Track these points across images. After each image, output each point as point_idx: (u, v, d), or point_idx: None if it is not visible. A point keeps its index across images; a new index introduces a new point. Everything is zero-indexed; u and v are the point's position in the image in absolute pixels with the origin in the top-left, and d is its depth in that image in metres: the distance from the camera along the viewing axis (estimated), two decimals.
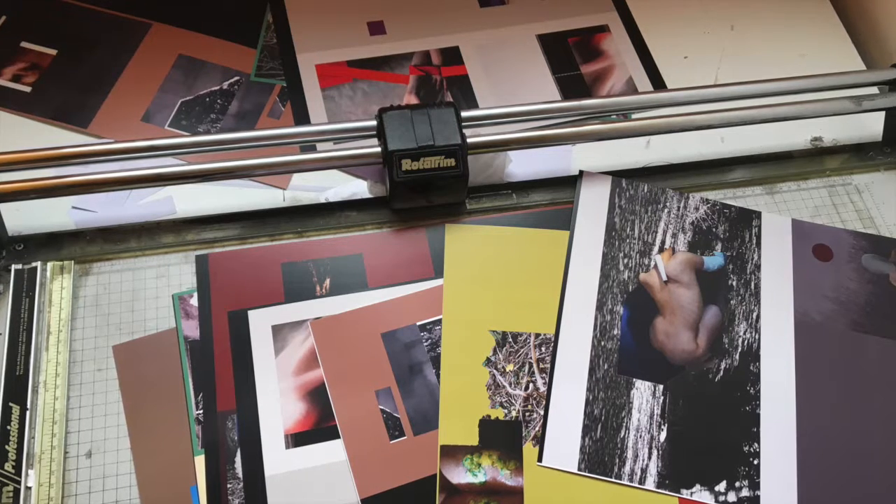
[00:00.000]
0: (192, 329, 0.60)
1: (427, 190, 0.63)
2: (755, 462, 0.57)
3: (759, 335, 0.62)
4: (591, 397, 0.59)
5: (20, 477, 0.54)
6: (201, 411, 0.57)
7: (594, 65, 0.79)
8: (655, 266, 0.65)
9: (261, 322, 0.61)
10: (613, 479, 0.56)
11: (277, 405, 0.58)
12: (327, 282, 0.63)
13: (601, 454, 0.57)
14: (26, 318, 0.59)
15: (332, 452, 0.56)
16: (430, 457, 0.56)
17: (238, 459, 0.56)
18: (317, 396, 0.58)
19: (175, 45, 0.77)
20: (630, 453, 0.57)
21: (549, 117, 0.69)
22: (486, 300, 0.63)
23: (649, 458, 0.57)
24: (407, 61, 0.77)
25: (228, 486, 0.55)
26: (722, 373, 0.61)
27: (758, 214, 0.68)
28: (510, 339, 0.61)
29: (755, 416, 0.59)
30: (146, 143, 0.62)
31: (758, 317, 0.63)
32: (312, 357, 0.60)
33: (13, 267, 0.61)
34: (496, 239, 0.66)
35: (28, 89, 0.73)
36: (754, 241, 0.66)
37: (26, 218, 0.65)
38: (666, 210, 0.67)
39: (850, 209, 0.70)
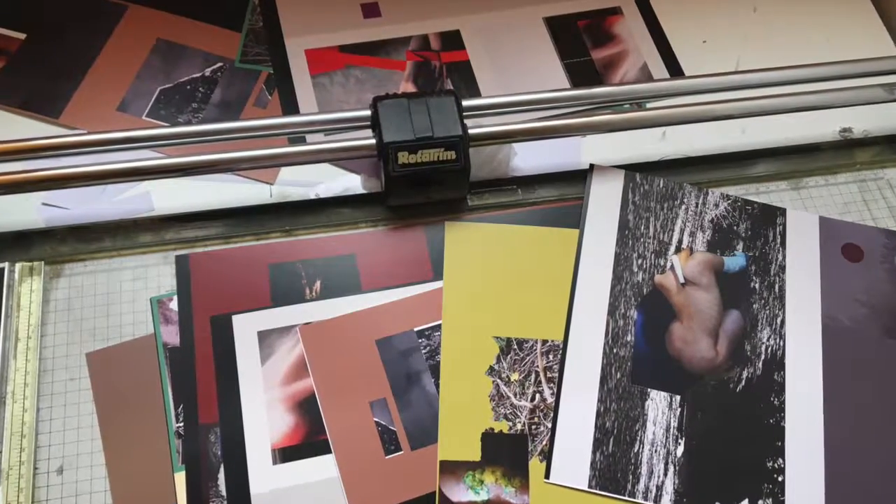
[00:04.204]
0: (171, 335, 0.60)
1: (425, 185, 0.63)
2: (780, 479, 0.57)
3: (784, 342, 0.62)
4: (602, 409, 0.59)
5: None
6: (181, 424, 0.57)
7: (606, 50, 0.79)
8: (672, 267, 0.65)
9: (246, 327, 0.61)
10: (626, 498, 0.56)
11: (264, 417, 0.58)
12: (318, 284, 0.63)
13: (613, 470, 0.57)
14: None
15: (322, 468, 0.56)
16: (428, 473, 0.57)
17: (221, 476, 0.56)
18: (306, 408, 0.58)
19: (153, 29, 0.77)
20: (644, 469, 0.57)
21: (557, 106, 0.69)
22: (489, 304, 0.63)
23: (665, 474, 0.57)
24: (404, 46, 0.77)
25: None
26: (744, 382, 0.61)
27: (782, 211, 0.68)
28: (515, 346, 0.61)
29: (779, 430, 0.59)
30: (122, 135, 0.62)
31: (782, 322, 0.63)
32: (302, 365, 0.60)
33: None
34: (500, 238, 0.66)
35: None
36: (779, 241, 0.66)
37: None
38: (683, 207, 0.67)
39: (883, 205, 0.70)
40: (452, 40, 0.78)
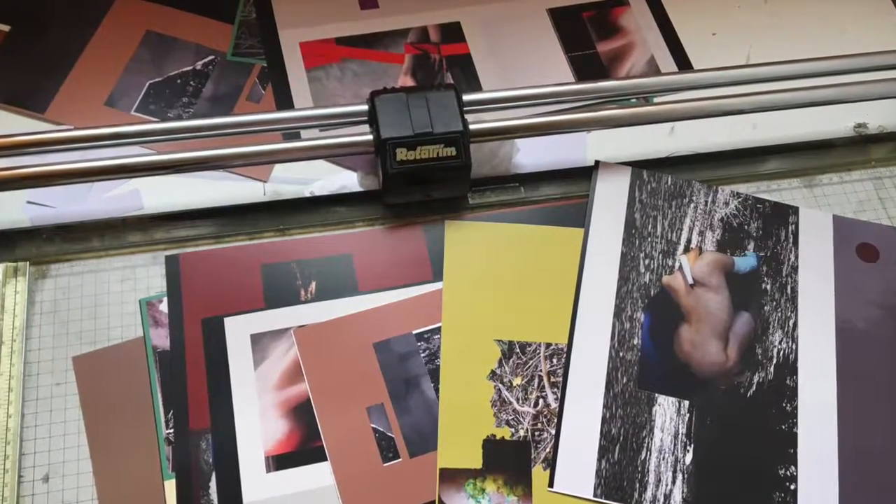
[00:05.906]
0: (161, 338, 0.60)
1: (424, 182, 0.63)
2: (792, 487, 0.57)
3: (797, 345, 0.62)
4: (608, 415, 0.59)
5: None
6: (172, 430, 0.57)
7: (612, 42, 0.79)
8: (680, 267, 0.65)
9: (238, 330, 0.61)
10: None
11: (257, 423, 0.58)
12: (313, 285, 0.63)
13: (619, 478, 0.57)
14: None
15: (318, 476, 0.56)
16: (427, 481, 0.56)
17: (213, 484, 0.56)
18: (301, 414, 0.58)
19: (142, 20, 0.77)
20: (652, 477, 0.57)
21: (561, 101, 0.69)
22: (490, 306, 0.62)
23: (673, 482, 0.57)
24: (402, 38, 0.77)
25: None
26: (755, 387, 0.61)
27: (795, 210, 0.68)
28: (517, 350, 0.61)
29: (792, 436, 0.59)
30: (110, 131, 0.62)
31: (795, 324, 0.63)
32: (296, 369, 0.60)
33: None
34: (502, 237, 0.65)
35: None
36: (791, 240, 0.66)
37: None
38: (692, 205, 0.67)
39: None
40: (452, 32, 0.78)
